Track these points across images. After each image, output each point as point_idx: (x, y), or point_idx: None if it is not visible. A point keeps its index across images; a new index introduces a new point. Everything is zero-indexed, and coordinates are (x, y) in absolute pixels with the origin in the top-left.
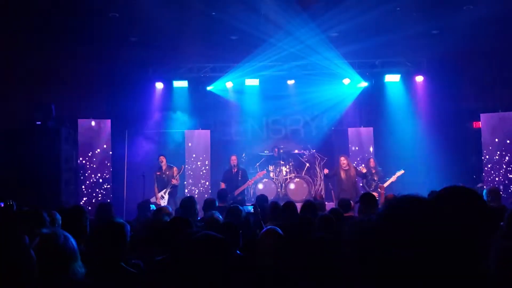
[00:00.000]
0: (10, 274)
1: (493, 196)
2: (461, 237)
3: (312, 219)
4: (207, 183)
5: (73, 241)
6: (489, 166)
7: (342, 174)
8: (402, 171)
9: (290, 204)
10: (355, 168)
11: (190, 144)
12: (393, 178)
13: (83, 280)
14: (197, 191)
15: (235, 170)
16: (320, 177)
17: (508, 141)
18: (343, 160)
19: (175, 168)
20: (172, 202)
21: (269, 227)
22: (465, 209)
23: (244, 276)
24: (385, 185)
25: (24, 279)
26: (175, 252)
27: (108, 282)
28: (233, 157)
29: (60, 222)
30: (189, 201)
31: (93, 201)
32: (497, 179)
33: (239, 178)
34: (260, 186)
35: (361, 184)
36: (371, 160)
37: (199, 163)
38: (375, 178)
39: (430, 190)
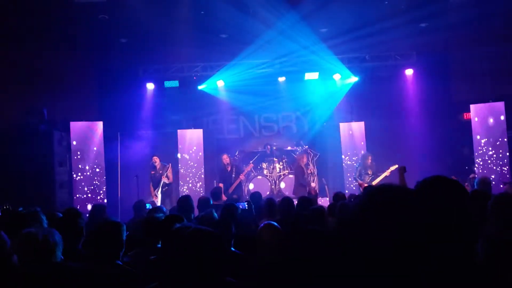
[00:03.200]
0: None
1: (483, 185)
2: (439, 223)
3: (307, 213)
4: (200, 182)
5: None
6: (480, 156)
7: (305, 170)
8: (395, 166)
9: (287, 200)
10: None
11: (183, 144)
12: (387, 173)
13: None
14: (188, 189)
15: (229, 168)
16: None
17: (498, 131)
18: (306, 157)
19: (168, 167)
20: (168, 202)
21: (266, 222)
22: (443, 197)
23: (239, 272)
24: (379, 179)
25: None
26: (169, 248)
27: (105, 280)
28: (224, 156)
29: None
30: (185, 200)
31: (88, 203)
32: (488, 169)
33: (233, 175)
34: (254, 183)
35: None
36: (369, 156)
37: (192, 162)
38: (369, 172)
39: (416, 181)
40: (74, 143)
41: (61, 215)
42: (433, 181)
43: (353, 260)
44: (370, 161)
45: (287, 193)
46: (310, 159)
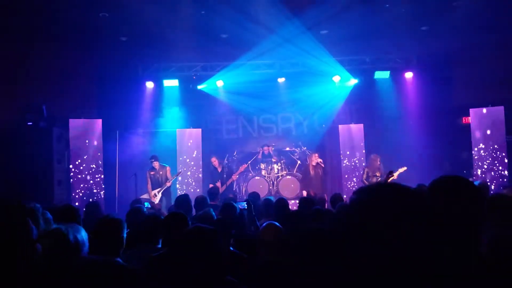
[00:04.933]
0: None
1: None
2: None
3: (306, 213)
4: (198, 181)
5: (80, 234)
6: (478, 160)
7: (312, 171)
8: (404, 168)
9: (282, 201)
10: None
11: (181, 143)
12: (395, 175)
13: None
14: (186, 189)
15: (220, 169)
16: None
17: (497, 136)
18: (317, 157)
19: (168, 168)
20: (164, 200)
21: (268, 222)
22: (451, 197)
23: (238, 272)
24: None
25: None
26: (170, 245)
27: (105, 278)
28: (213, 159)
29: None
30: (184, 199)
31: (85, 200)
32: (487, 173)
33: (224, 176)
34: (252, 184)
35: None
36: (378, 158)
37: (190, 161)
38: (377, 174)
39: (417, 184)
40: (73, 140)
41: (49, 214)
42: (448, 180)
43: (354, 260)
44: (379, 163)
45: (286, 193)
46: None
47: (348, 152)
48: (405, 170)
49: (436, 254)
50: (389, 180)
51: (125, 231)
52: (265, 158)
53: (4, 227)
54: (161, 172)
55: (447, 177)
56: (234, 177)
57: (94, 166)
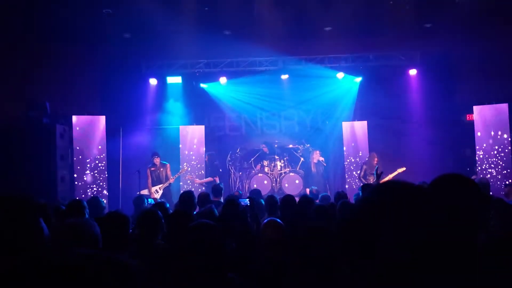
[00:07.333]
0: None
1: (481, 187)
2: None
3: (308, 210)
4: (201, 178)
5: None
6: (482, 158)
7: (313, 168)
8: (403, 168)
9: (289, 198)
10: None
11: (184, 140)
12: (392, 175)
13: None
14: (188, 186)
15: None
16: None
17: (500, 133)
18: (318, 154)
19: (168, 165)
20: (164, 196)
21: (269, 218)
22: (454, 195)
23: (240, 269)
24: (384, 181)
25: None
26: (173, 242)
27: (108, 275)
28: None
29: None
30: (187, 195)
31: (88, 196)
32: (490, 171)
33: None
34: (255, 181)
35: (356, 177)
36: (376, 157)
37: (194, 158)
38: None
39: (420, 182)
40: (76, 137)
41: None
42: (450, 178)
43: (359, 259)
44: (376, 161)
45: (289, 190)
46: (311, 157)
47: (351, 148)
48: (403, 171)
49: (436, 251)
50: (388, 179)
51: (130, 227)
52: (269, 155)
53: (14, 226)
54: (161, 169)
55: (447, 175)
56: (217, 179)
57: (97, 162)
